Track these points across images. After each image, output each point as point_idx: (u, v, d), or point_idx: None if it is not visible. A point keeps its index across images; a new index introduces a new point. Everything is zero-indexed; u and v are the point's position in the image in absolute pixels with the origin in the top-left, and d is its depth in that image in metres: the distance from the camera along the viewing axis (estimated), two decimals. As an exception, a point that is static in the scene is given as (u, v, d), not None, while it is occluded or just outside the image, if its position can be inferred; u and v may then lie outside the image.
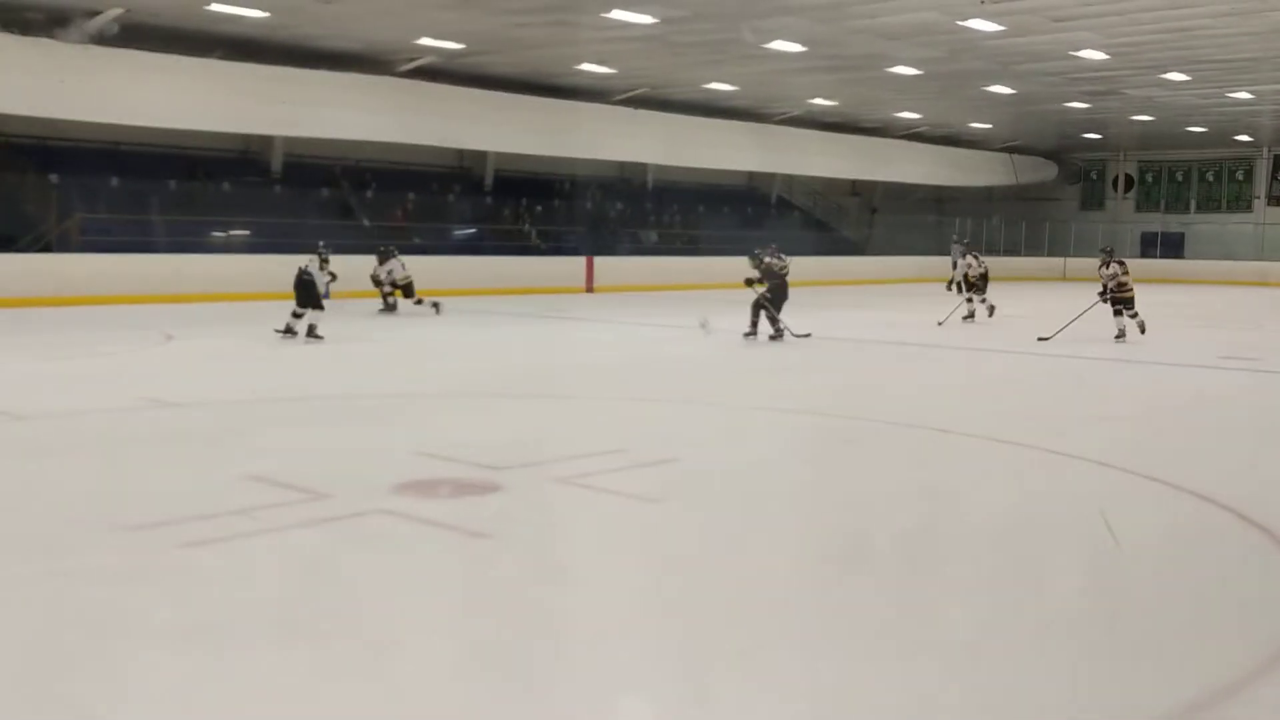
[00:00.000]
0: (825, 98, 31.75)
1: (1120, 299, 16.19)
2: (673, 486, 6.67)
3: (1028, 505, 6.51)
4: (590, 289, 28.18)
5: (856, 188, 42.80)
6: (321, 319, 14.63)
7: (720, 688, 3.72)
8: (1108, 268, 16.35)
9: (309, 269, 14.99)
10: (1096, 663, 3.88)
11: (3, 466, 7.10)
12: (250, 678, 3.66)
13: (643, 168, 34.97)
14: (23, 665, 3.78)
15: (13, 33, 20.12)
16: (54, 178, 22.69)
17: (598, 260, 28.59)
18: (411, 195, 28.60)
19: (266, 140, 26.39)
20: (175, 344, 14.43)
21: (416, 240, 26.15)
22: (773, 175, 38.14)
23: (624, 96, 30.08)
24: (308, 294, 14.61)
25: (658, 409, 9.87)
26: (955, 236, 34.40)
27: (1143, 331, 16.19)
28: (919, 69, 26.35)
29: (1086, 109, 32.72)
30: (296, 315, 14.54)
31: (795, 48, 23.76)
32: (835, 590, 4.82)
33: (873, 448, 8.35)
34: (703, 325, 15.91)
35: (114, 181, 23.32)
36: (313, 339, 14.31)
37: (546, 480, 6.70)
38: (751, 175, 38.39)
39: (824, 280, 30.30)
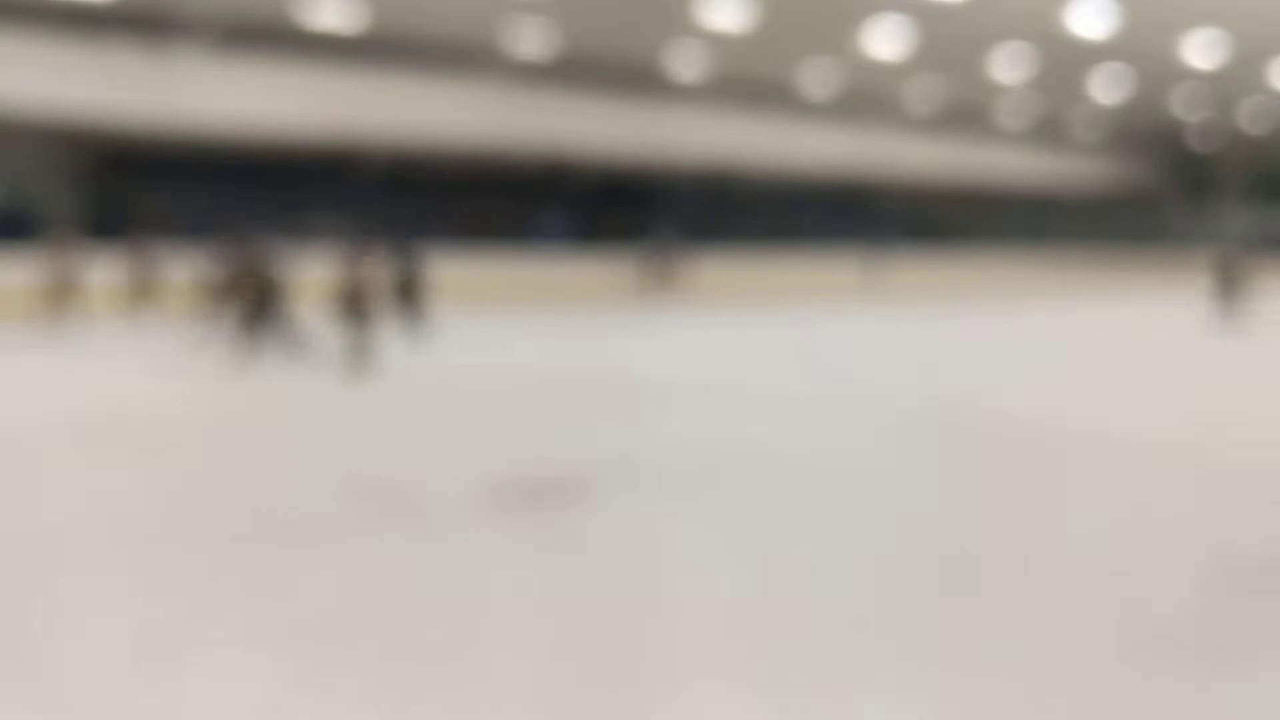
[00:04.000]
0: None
1: None
2: (762, 494, 6.35)
3: None
4: (682, 291, 27.93)
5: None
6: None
7: (809, 699, 3.40)
8: None
9: None
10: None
11: (115, 462, 7.07)
12: (343, 681, 3.50)
13: (732, 167, 34.72)
14: (118, 660, 3.64)
15: (123, 43, 20.56)
16: (157, 183, 23.15)
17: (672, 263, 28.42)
18: (503, 197, 28.71)
19: (360, 142, 26.67)
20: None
21: (506, 241, 26.24)
22: (865, 179, 37.56)
23: (718, 98, 29.82)
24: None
25: (749, 415, 9.54)
26: None
27: None
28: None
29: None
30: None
31: (896, 50, 23.26)
32: (933, 605, 4.45)
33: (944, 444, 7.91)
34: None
35: (214, 186, 23.74)
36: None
37: (636, 488, 6.44)
38: (845, 177, 37.89)
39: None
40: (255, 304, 11.20)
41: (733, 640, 4.20)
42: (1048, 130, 37.84)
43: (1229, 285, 18.57)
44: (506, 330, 16.96)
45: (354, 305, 10.44)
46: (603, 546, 5.36)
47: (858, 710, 3.56)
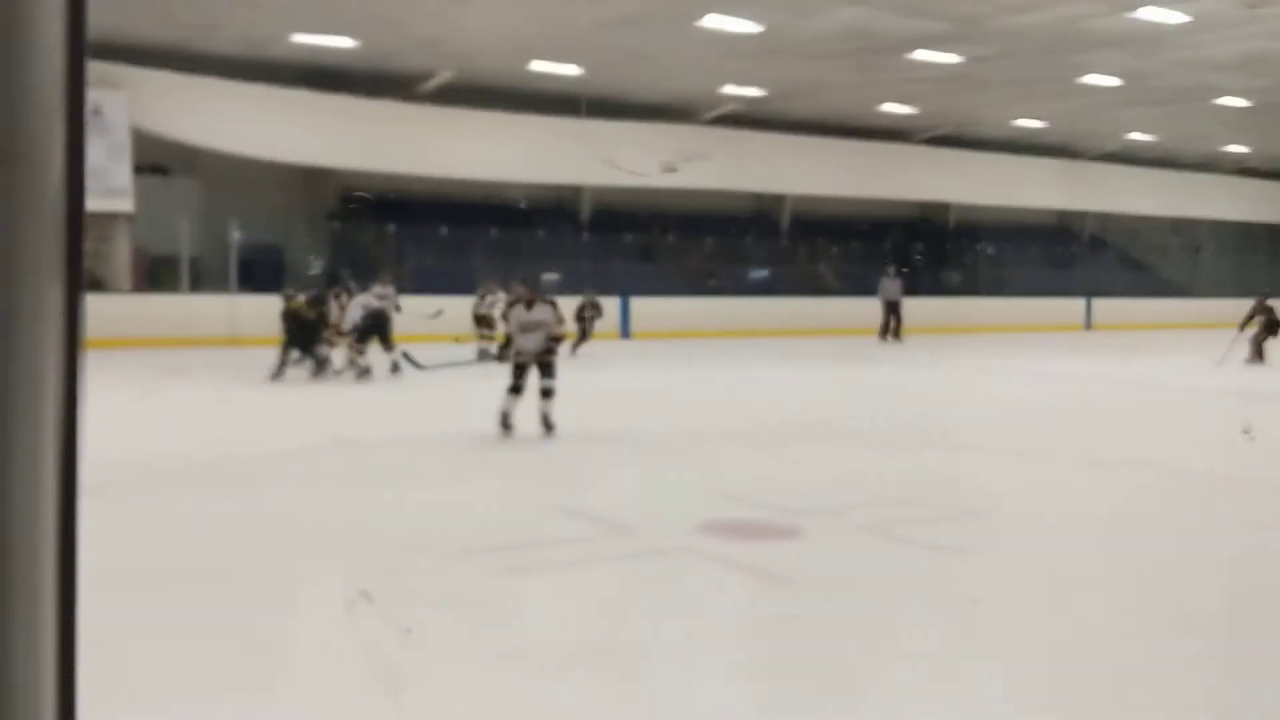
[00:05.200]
0: (1144, 132, 30.09)
1: None
2: (982, 540, 6.49)
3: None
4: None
5: (1177, 226, 40.15)
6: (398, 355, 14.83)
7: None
8: None
9: (373, 302, 15.03)
10: None
11: (349, 490, 7.79)
12: (557, 705, 3.86)
13: (944, 207, 34.24)
14: (348, 681, 4.14)
15: (358, 95, 22.22)
16: (391, 227, 24.75)
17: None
18: (710, 239, 29.24)
19: (577, 189, 27.75)
20: (489, 381, 15.31)
21: (713, 283, 26.72)
22: (1084, 214, 36.38)
23: (926, 136, 29.64)
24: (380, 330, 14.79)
25: (966, 456, 9.61)
26: None
27: None
28: (1249, 100, 24.56)
29: None
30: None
31: (1112, 81, 22.70)
32: (1158, 656, 4.55)
33: (1205, 503, 7.80)
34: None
35: (443, 230, 25.19)
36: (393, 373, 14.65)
37: (849, 527, 6.67)
38: (1061, 214, 36.77)
39: (1145, 324, 28.58)
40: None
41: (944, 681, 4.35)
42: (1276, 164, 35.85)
43: None
44: (717, 368, 17.36)
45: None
46: (815, 585, 5.58)
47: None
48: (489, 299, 17.96)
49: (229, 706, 3.78)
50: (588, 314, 19.50)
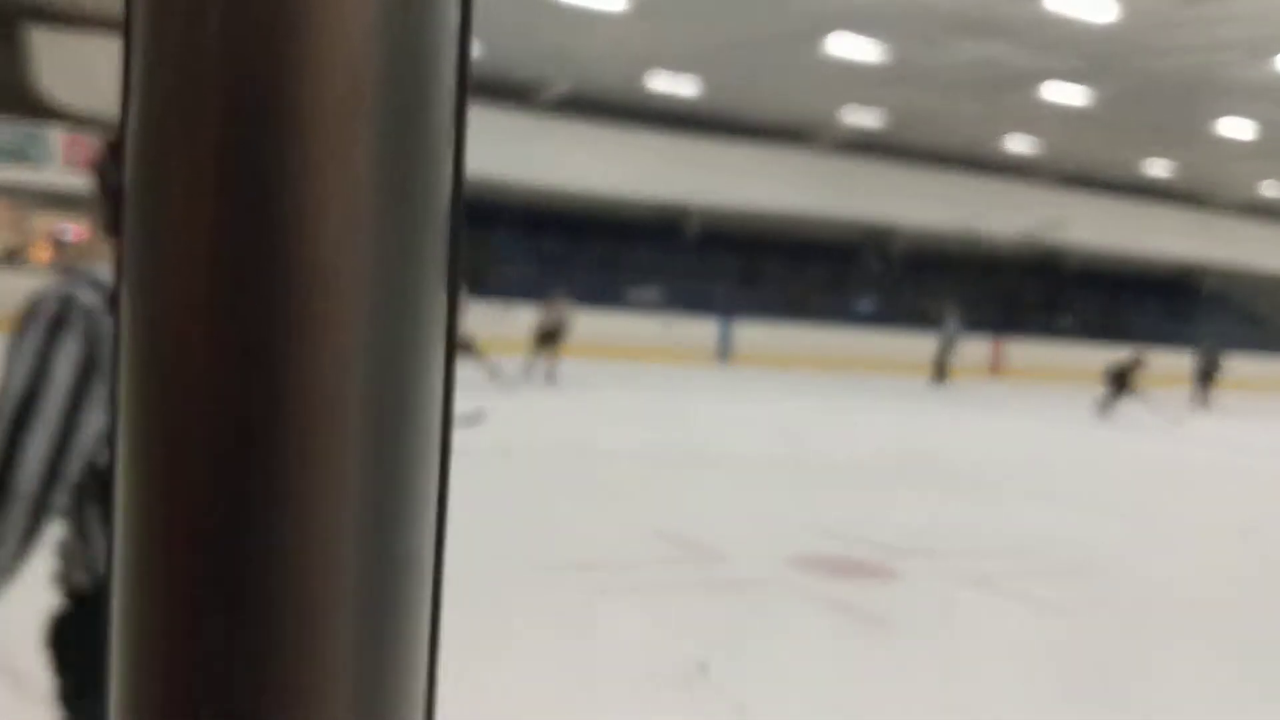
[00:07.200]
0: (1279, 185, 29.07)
1: None
2: (1084, 599, 6.19)
3: None
4: (996, 370, 27.15)
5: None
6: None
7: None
8: None
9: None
10: None
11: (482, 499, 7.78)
12: None
13: (1062, 248, 33.42)
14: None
15: (476, 102, 22.52)
16: (491, 233, 24.97)
17: (1006, 341, 27.57)
18: (815, 266, 28.93)
19: (683, 207, 27.70)
20: (599, 392, 15.30)
21: (814, 311, 26.42)
22: (1204, 267, 35.17)
23: (1049, 174, 28.99)
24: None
25: (1070, 512, 9.25)
26: None
27: None
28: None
29: None
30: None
31: (1246, 132, 21.92)
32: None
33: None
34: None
35: (543, 240, 25.32)
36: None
37: (946, 574, 6.43)
38: (1183, 264, 35.65)
39: (1264, 381, 27.50)
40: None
41: None
42: None
43: None
44: (818, 398, 17.11)
45: None
46: (906, 627, 5.40)
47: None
48: (554, 313, 16.83)
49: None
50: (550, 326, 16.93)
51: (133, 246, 0.29)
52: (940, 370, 22.84)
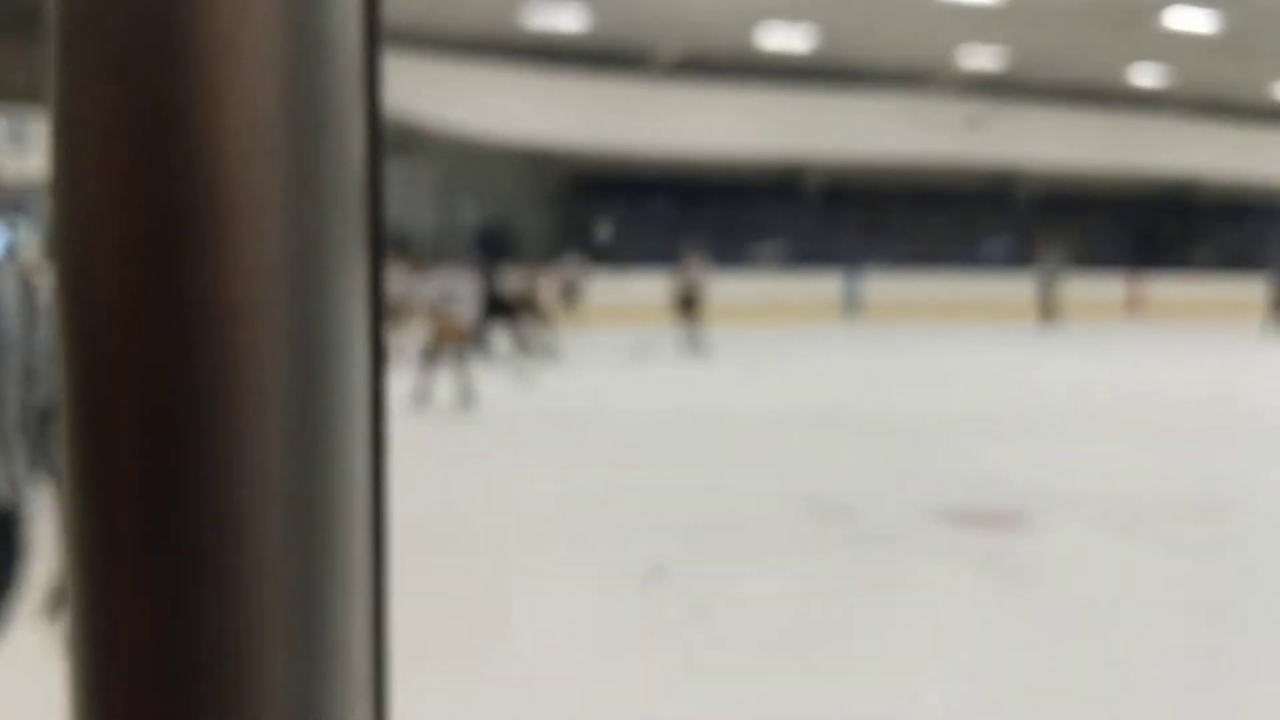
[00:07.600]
0: None
1: None
2: (1228, 540, 6.03)
3: None
4: (1134, 308, 26.31)
5: None
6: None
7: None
8: None
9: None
10: None
11: (574, 467, 7.94)
12: (769, 692, 3.79)
13: (1195, 182, 32.07)
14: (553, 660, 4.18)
15: (585, 73, 22.58)
16: (610, 203, 25.09)
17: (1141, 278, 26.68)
18: (941, 215, 28.34)
19: (801, 163, 27.39)
20: (709, 361, 15.32)
21: (941, 259, 25.95)
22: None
23: (1178, 105, 27.83)
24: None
25: (1221, 450, 8.95)
26: None
27: None
28: None
29: None
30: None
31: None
32: None
33: None
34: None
35: (662, 207, 25.36)
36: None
37: (1089, 520, 6.32)
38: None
39: None
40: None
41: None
42: None
43: None
44: (951, 349, 16.84)
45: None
46: (1048, 579, 5.34)
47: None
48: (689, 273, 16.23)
49: (445, 670, 3.87)
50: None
51: (60, 245, 0.29)
52: (1046, 310, 22.24)
